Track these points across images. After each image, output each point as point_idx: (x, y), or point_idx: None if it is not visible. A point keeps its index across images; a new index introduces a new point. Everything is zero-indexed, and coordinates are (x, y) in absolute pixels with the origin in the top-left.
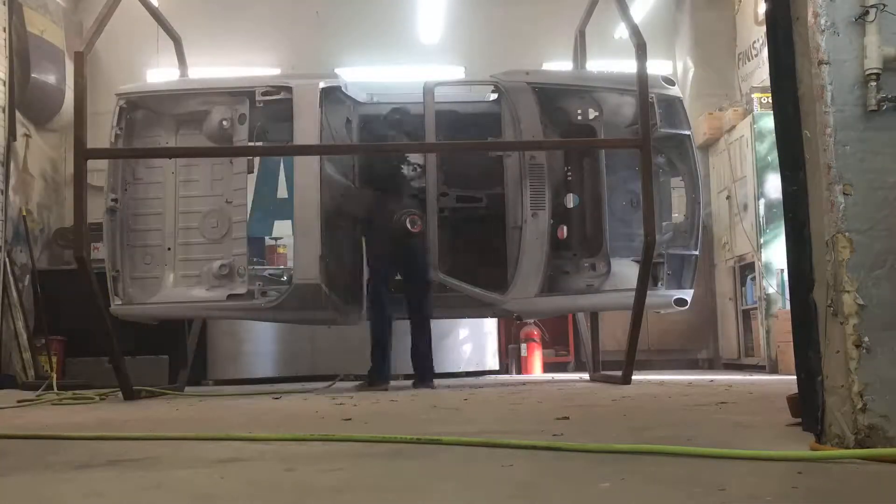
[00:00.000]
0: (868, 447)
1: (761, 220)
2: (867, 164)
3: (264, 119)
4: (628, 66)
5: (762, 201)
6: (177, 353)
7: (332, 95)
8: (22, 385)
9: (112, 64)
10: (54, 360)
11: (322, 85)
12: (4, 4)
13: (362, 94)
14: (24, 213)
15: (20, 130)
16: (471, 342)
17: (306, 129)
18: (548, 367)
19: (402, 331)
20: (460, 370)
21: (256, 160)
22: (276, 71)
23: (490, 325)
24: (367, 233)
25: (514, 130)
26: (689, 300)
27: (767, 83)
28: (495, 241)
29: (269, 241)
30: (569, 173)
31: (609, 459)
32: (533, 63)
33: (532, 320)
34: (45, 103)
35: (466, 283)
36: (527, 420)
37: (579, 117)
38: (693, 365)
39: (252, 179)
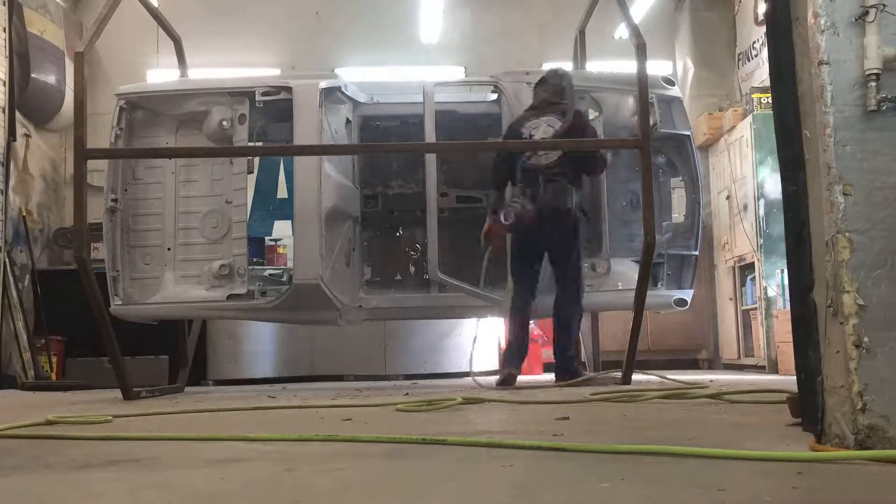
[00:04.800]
0: (868, 447)
1: (761, 220)
2: (867, 164)
3: (264, 119)
4: (628, 66)
5: (762, 201)
6: (177, 353)
7: (332, 95)
8: (22, 385)
9: (112, 64)
10: (54, 360)
11: (322, 85)
12: (4, 4)
13: (362, 95)
14: (24, 213)
15: (20, 130)
16: (471, 342)
17: (306, 129)
18: (548, 367)
19: (401, 329)
20: (460, 370)
21: (256, 160)
22: (276, 71)
23: (490, 325)
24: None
25: None
26: (689, 300)
27: (767, 83)
28: None
29: (269, 241)
30: None
31: (609, 459)
32: (533, 63)
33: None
34: (45, 103)
35: (466, 283)
36: (527, 420)
37: None
38: (693, 365)
39: (252, 179)
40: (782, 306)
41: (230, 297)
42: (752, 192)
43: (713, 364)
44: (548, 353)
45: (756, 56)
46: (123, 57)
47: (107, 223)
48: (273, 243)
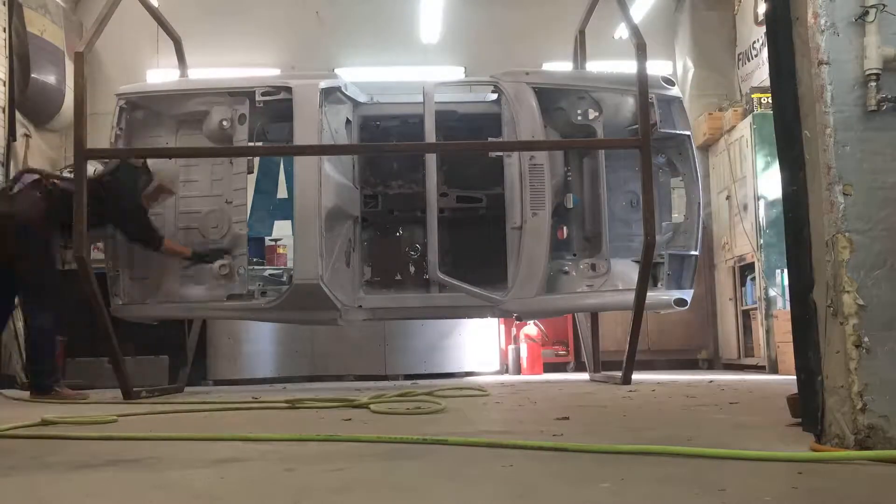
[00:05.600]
0: (868, 447)
1: (761, 220)
2: (867, 164)
3: (264, 119)
4: (628, 66)
5: (762, 201)
6: (177, 353)
7: (332, 95)
8: (22, 385)
9: (112, 64)
10: None
11: (322, 85)
12: (4, 4)
13: (362, 95)
14: None
15: (20, 130)
16: (471, 342)
17: (306, 129)
18: (548, 367)
19: (401, 329)
20: (460, 370)
21: (256, 160)
22: (276, 71)
23: (490, 325)
24: None
25: (514, 130)
26: (689, 300)
27: (767, 83)
28: (495, 241)
29: (269, 241)
30: (569, 173)
31: (609, 459)
32: (533, 63)
33: (532, 320)
34: (45, 103)
35: (466, 283)
36: (527, 420)
37: (579, 117)
38: (693, 365)
39: (252, 179)
40: (782, 306)
41: (230, 297)
42: (752, 192)
43: (713, 364)
44: (548, 353)
45: (756, 56)
46: (123, 57)
47: None
48: (273, 243)
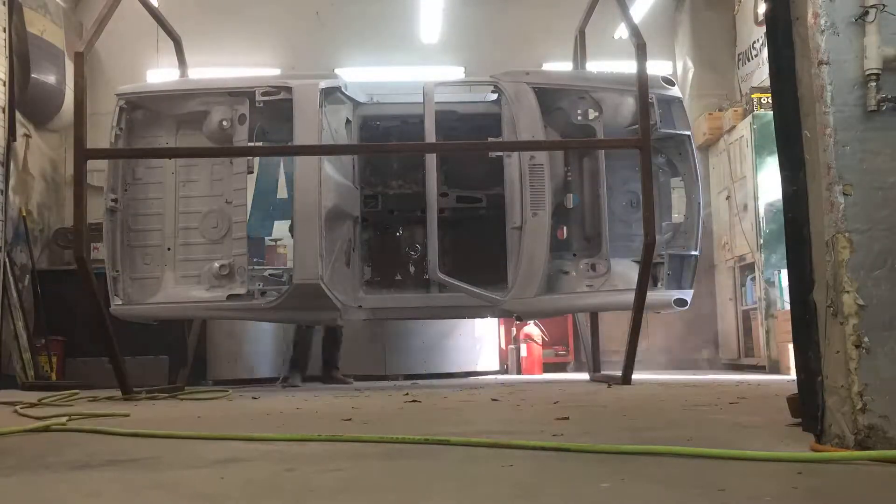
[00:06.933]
0: (868, 447)
1: (761, 220)
2: (867, 164)
3: (264, 119)
4: (628, 66)
5: (762, 201)
6: (177, 353)
7: (332, 95)
8: (22, 385)
9: (112, 64)
10: (54, 360)
11: (322, 85)
12: (4, 4)
13: (362, 95)
14: (24, 214)
15: (20, 130)
16: (471, 342)
17: (306, 129)
18: (548, 367)
19: (401, 329)
20: (460, 370)
21: (256, 160)
22: (276, 71)
23: (490, 325)
24: None
25: (514, 130)
26: (689, 300)
27: (767, 83)
28: (495, 241)
29: (269, 241)
30: (569, 173)
31: (609, 459)
32: (533, 63)
33: (532, 320)
34: (45, 103)
35: (466, 283)
36: (527, 420)
37: (579, 117)
38: (693, 365)
39: (252, 179)
40: (782, 306)
41: (230, 297)
42: (752, 192)
43: (713, 364)
44: (548, 353)
45: (756, 56)
46: (123, 57)
47: (107, 223)
48: (273, 243)
